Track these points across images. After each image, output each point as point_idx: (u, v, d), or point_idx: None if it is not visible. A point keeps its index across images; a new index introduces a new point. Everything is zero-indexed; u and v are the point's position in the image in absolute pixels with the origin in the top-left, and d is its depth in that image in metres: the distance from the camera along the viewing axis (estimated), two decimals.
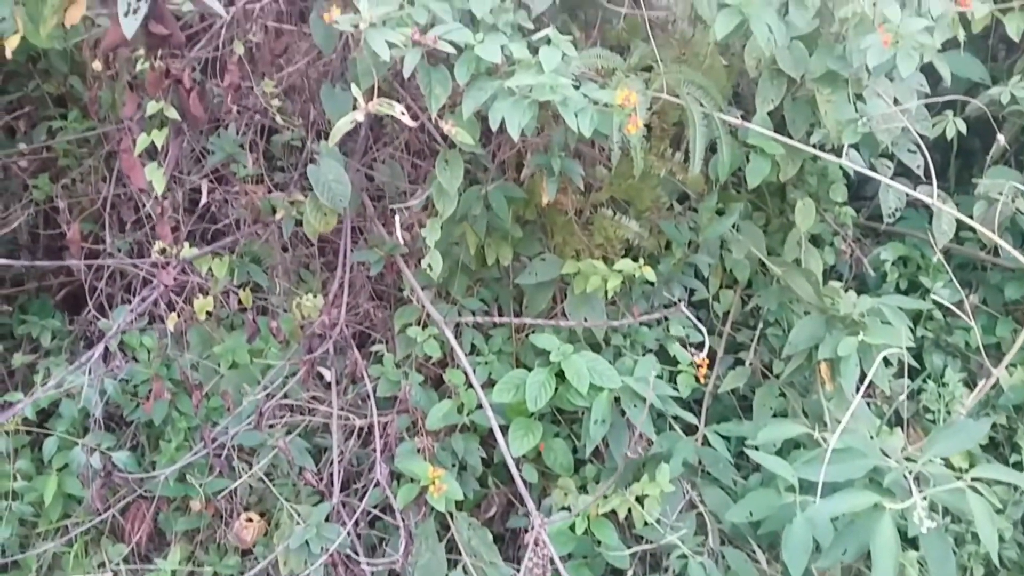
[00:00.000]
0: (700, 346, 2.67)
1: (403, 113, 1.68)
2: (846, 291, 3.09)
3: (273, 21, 2.28)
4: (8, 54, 1.77)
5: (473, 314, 2.82)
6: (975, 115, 2.86)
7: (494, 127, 1.83)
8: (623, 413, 2.52)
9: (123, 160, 1.90)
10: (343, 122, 1.70)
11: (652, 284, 2.76)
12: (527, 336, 2.88)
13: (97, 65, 1.83)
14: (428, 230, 2.16)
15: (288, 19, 2.43)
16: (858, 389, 2.47)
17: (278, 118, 2.23)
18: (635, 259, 2.70)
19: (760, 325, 3.18)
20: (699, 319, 3.27)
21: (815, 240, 3.26)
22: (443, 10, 1.85)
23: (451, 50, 1.81)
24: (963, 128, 2.65)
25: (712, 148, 2.52)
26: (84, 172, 3.23)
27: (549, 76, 1.77)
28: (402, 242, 2.14)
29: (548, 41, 1.87)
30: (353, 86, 1.72)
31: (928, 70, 2.30)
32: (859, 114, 2.13)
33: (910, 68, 1.84)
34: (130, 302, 2.91)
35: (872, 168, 2.69)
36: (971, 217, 2.61)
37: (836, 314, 2.62)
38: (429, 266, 2.22)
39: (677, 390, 2.60)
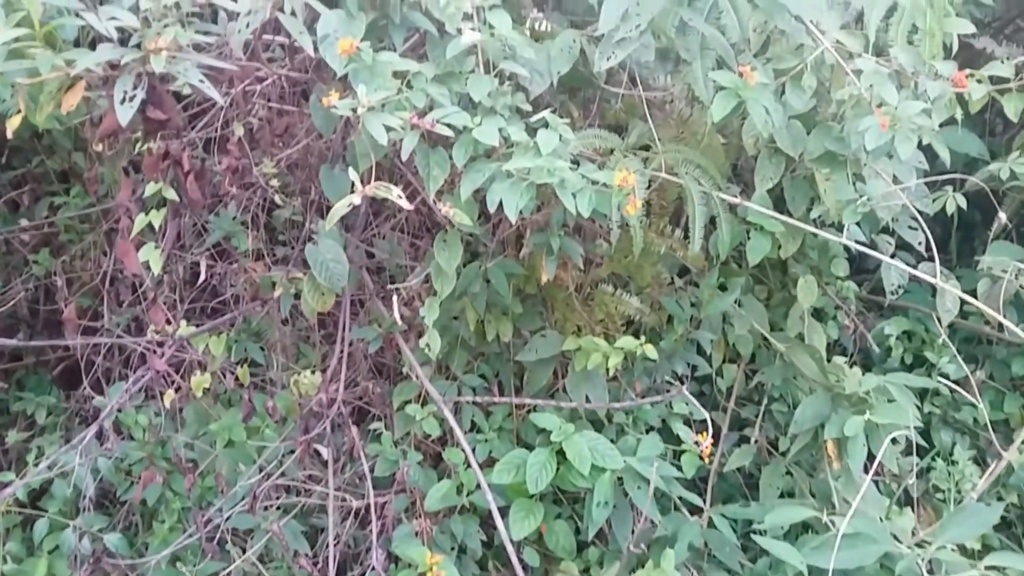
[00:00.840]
0: (704, 424, 2.62)
1: (400, 196, 1.67)
2: (851, 366, 3.06)
3: (275, 101, 2.29)
4: (9, 134, 1.77)
5: (473, 391, 2.78)
6: (975, 189, 2.85)
7: (492, 209, 1.81)
8: (626, 493, 2.47)
9: (119, 245, 1.88)
10: (340, 205, 1.69)
11: (654, 360, 2.72)
12: (528, 412, 2.84)
13: (98, 145, 1.82)
14: (427, 309, 2.14)
15: (290, 99, 2.45)
16: (866, 468, 2.42)
17: (277, 198, 2.23)
18: (636, 335, 2.67)
19: (765, 401, 3.14)
20: (702, 394, 3.24)
21: (818, 314, 3.23)
22: (441, 94, 1.85)
23: (449, 133, 1.81)
24: (963, 203, 2.64)
25: (712, 224, 2.52)
26: (85, 248, 3.23)
27: (546, 159, 1.76)
28: (400, 322, 2.11)
29: (545, 124, 1.87)
30: (351, 169, 1.71)
31: (926, 147, 2.30)
32: (859, 194, 2.11)
33: (908, 151, 1.83)
34: (127, 378, 2.89)
35: (873, 245, 2.68)
36: (975, 294, 2.59)
37: (842, 392, 2.57)
38: (427, 345, 2.18)
39: (681, 470, 2.55)
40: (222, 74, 1.75)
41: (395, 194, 1.66)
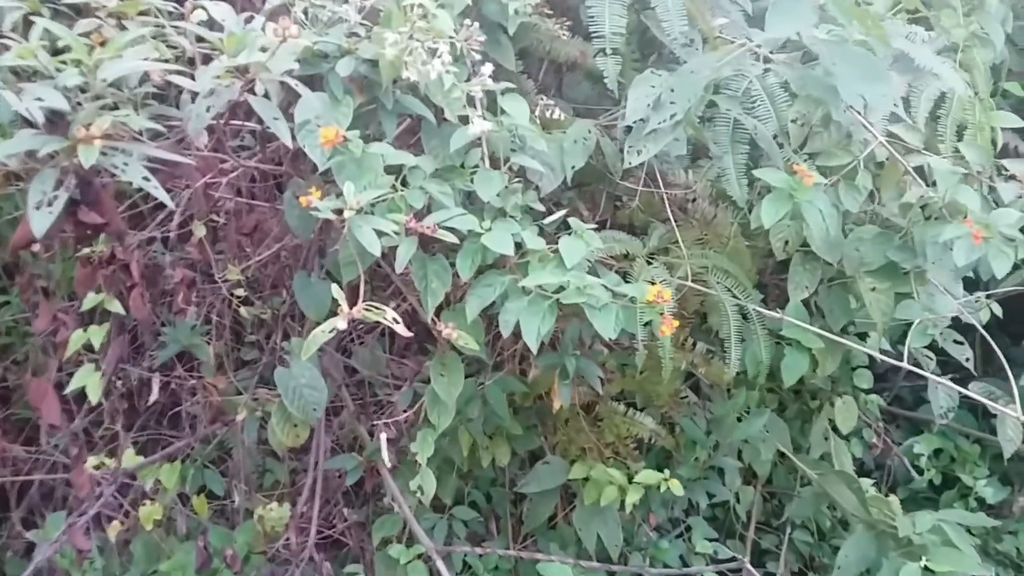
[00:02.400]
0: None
1: (396, 321, 1.32)
2: (879, 489, 2.72)
3: (243, 193, 1.95)
4: None
5: (465, 524, 2.39)
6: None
7: (506, 333, 1.47)
8: None
9: (31, 386, 1.50)
10: (320, 332, 1.33)
11: None
12: (528, 542, 2.46)
13: (13, 256, 1.47)
14: (419, 444, 1.76)
15: (261, 192, 2.11)
16: None
17: (243, 311, 1.87)
18: (646, 452, 2.32)
19: (788, 530, 2.78)
20: (715, 518, 2.87)
21: (838, 430, 2.90)
22: (442, 192, 1.52)
23: (452, 239, 1.47)
24: (999, 311, 2.35)
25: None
26: (30, 351, 2.83)
27: (575, 275, 1.42)
28: (388, 463, 1.72)
29: (566, 227, 1.54)
30: (335, 287, 1.36)
31: None
32: (925, 310, 1.79)
33: (1005, 267, 1.51)
34: (68, 506, 2.47)
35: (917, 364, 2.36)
36: None
37: (887, 530, 2.21)
38: (420, 489, 1.80)
39: None
40: (178, 168, 1.40)
41: (390, 317, 1.31)
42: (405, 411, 1.84)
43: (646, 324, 1.73)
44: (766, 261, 2.38)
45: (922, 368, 1.96)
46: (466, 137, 1.52)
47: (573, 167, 1.81)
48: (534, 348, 1.41)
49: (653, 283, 1.82)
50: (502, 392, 2.16)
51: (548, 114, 1.82)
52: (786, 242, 2.08)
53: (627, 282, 1.76)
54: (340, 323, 1.32)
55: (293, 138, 1.48)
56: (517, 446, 2.44)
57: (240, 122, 1.90)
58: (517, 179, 1.69)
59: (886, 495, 2.52)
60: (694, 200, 2.11)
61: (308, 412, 1.74)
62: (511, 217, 1.59)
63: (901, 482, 3.14)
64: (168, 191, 1.30)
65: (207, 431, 2.19)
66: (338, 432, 2.43)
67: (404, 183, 1.54)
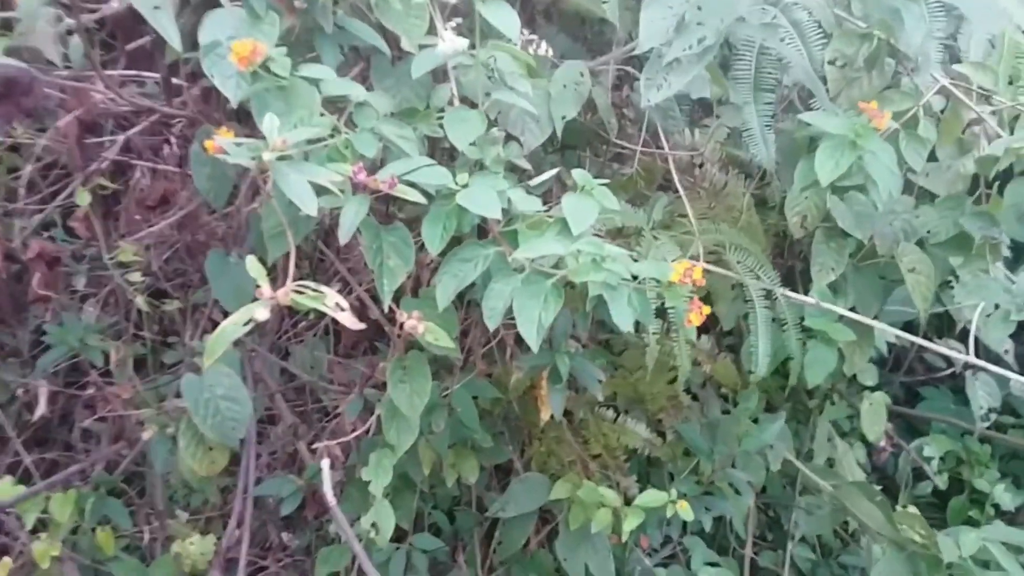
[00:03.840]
0: None
1: (339, 308, 0.89)
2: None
3: (148, 155, 1.50)
4: None
5: (426, 553, 1.97)
6: None
7: (492, 325, 1.05)
8: None
9: None
10: (231, 325, 0.91)
11: None
12: (500, 571, 2.05)
13: None
14: (372, 470, 1.34)
15: (174, 159, 1.67)
16: None
17: (140, 301, 1.43)
18: (640, 470, 1.94)
19: (788, 544, 2.41)
20: (708, 534, 2.49)
21: (836, 427, 2.56)
22: (401, 137, 1.10)
23: (416, 198, 1.05)
24: None
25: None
26: None
27: (588, 243, 1.01)
28: (331, 498, 1.28)
29: (574, 185, 1.14)
30: (252, 261, 0.93)
31: None
32: (1006, 290, 1.41)
33: None
34: None
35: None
36: None
37: (918, 551, 1.85)
38: (373, 527, 1.37)
39: None
40: (25, 93, 0.96)
41: (331, 303, 0.89)
42: (353, 426, 1.40)
43: (662, 311, 1.34)
44: (772, 240, 2.02)
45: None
46: (433, 60, 1.10)
47: (564, 117, 1.40)
48: (534, 344, 1.00)
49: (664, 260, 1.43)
50: (470, 398, 1.75)
51: (532, 50, 1.42)
52: (804, 217, 1.71)
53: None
54: (260, 312, 0.89)
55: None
56: (485, 459, 2.03)
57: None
58: (498, 128, 1.28)
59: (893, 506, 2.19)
60: (701, 165, 1.72)
61: (226, 432, 1.30)
62: (492, 172, 1.18)
63: (902, 486, 2.81)
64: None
65: (108, 451, 1.73)
66: (275, 446, 1.99)
67: (352, 124, 1.12)
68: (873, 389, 2.47)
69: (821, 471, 2.19)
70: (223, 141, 0.99)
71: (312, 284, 0.91)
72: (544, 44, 1.40)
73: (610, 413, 1.97)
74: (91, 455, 1.73)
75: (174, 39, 0.96)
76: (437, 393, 1.71)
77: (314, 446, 1.82)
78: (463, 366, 1.75)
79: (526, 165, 1.31)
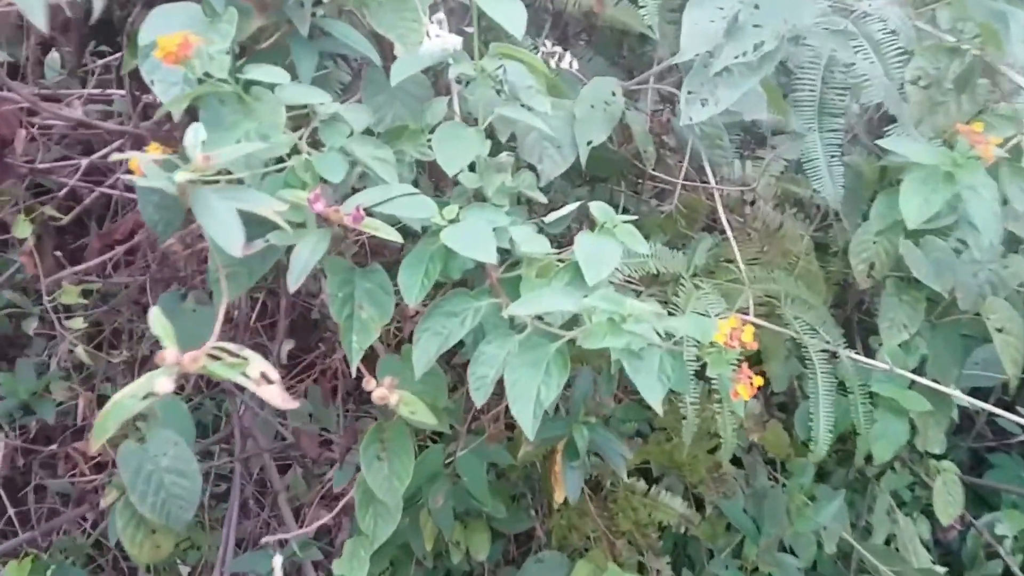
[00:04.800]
0: None
1: (266, 379, 0.65)
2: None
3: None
4: None
5: None
6: None
7: (479, 399, 0.80)
8: None
9: None
10: (127, 396, 0.67)
11: None
12: None
13: None
14: (345, 564, 1.08)
15: None
16: None
17: (81, 353, 1.20)
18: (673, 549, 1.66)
19: None
20: None
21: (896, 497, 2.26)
22: (377, 159, 0.87)
23: (395, 237, 0.81)
24: None
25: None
26: None
27: (607, 298, 0.76)
28: None
29: (589, 222, 0.89)
30: (156, 315, 0.69)
31: None
32: None
33: None
34: None
35: None
36: None
37: None
38: None
39: None
40: None
41: (254, 373, 0.65)
42: (332, 509, 1.15)
43: (703, 370, 1.08)
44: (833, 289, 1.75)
45: None
46: (416, 63, 0.87)
47: (590, 143, 1.16)
48: (530, 430, 0.75)
49: (706, 315, 1.17)
50: (481, 465, 1.49)
51: (553, 63, 1.18)
52: (871, 265, 1.44)
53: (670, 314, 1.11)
54: (161, 383, 0.65)
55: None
56: (502, 527, 1.77)
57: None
58: (509, 154, 1.04)
59: None
60: (753, 203, 1.46)
61: (172, 512, 1.06)
62: (495, 205, 0.94)
63: (968, 566, 2.48)
64: None
65: (71, 515, 1.50)
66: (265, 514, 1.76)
67: (317, 145, 0.88)
68: (939, 457, 2.18)
69: (882, 553, 1.89)
70: (144, 159, 0.76)
71: (234, 347, 0.67)
72: (569, 56, 1.17)
73: (641, 484, 1.70)
74: (52, 520, 1.50)
75: (38, 17, 0.73)
76: (439, 459, 1.47)
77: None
78: (470, 427, 1.50)
79: (541, 198, 1.06)
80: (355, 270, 0.91)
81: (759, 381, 0.94)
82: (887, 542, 2.13)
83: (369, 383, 0.85)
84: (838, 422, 1.45)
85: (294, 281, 0.78)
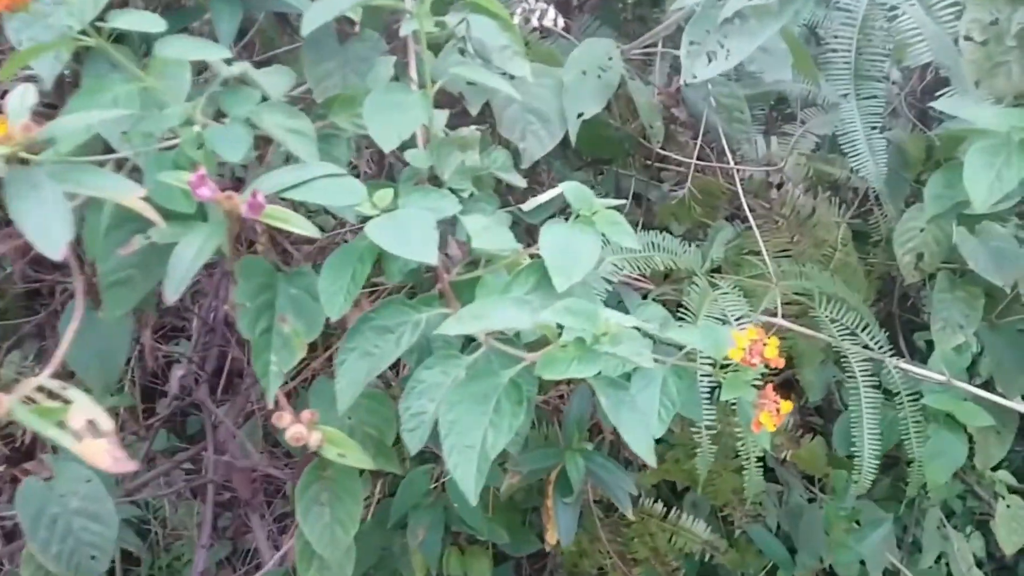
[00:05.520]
0: None
1: (95, 428, 0.47)
2: None
3: None
4: None
5: None
6: None
7: (413, 445, 0.61)
8: None
9: None
10: None
11: None
12: None
13: None
14: None
15: None
16: None
17: None
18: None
19: None
20: None
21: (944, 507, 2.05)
22: (294, 132, 0.68)
23: (305, 229, 0.62)
24: None
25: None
26: None
27: (574, 311, 0.56)
28: None
29: (575, 214, 0.69)
30: None
31: None
32: None
33: None
34: None
35: None
36: None
37: None
38: None
39: None
40: None
41: (75, 423, 0.46)
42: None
43: (715, 398, 0.88)
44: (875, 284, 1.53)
45: None
46: (334, 7, 0.68)
47: (581, 115, 0.96)
48: (472, 492, 0.55)
49: (725, 321, 0.97)
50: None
51: (536, 21, 0.99)
52: (919, 256, 1.23)
53: (679, 320, 0.91)
54: None
55: None
56: (504, 548, 1.58)
57: None
58: (483, 127, 0.85)
59: None
60: (780, 186, 1.25)
61: (83, 566, 0.88)
62: (452, 190, 0.74)
63: None
64: None
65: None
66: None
67: (219, 116, 0.70)
68: (994, 468, 1.95)
69: None
70: None
71: (58, 385, 0.48)
72: (553, 11, 0.97)
73: (659, 506, 1.49)
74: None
75: None
76: (424, 483, 1.28)
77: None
78: None
79: (519, 181, 0.86)
80: (277, 273, 0.72)
81: (787, 407, 0.74)
82: (937, 560, 1.92)
83: (281, 419, 0.66)
84: (884, 437, 1.24)
85: (173, 291, 0.60)
